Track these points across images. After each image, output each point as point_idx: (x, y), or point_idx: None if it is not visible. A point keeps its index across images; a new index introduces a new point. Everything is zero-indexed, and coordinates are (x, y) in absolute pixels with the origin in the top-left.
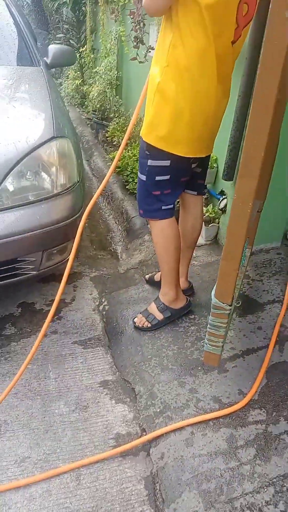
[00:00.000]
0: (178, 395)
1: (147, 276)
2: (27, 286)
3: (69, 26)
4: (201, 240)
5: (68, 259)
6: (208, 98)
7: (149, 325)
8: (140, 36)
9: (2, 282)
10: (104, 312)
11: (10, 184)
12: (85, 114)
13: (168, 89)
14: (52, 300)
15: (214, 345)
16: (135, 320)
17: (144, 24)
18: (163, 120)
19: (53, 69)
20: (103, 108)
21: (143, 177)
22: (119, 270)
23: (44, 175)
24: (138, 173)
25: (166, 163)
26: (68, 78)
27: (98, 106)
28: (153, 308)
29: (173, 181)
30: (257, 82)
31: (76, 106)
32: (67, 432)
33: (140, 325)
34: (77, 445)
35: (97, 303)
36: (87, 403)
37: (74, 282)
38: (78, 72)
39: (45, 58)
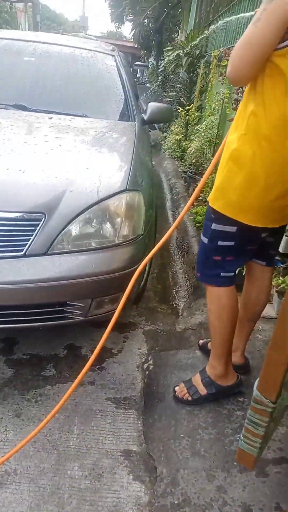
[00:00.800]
0: (203, 490)
1: (201, 342)
2: (79, 329)
3: (182, 85)
4: (271, 312)
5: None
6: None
7: (190, 398)
8: (240, 99)
9: (48, 323)
10: (147, 372)
11: (74, 230)
12: (182, 167)
13: (243, 156)
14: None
15: (250, 445)
16: (176, 389)
17: None
18: (233, 186)
19: (161, 124)
20: (198, 163)
21: (205, 240)
22: (176, 328)
23: (108, 224)
24: (201, 235)
25: (232, 229)
26: (172, 133)
27: (193, 161)
28: (197, 380)
29: (238, 249)
30: None
31: (175, 159)
32: (73, 500)
33: (180, 396)
34: None
35: (143, 360)
36: (103, 472)
37: (126, 332)
38: (183, 128)
39: (143, 115)
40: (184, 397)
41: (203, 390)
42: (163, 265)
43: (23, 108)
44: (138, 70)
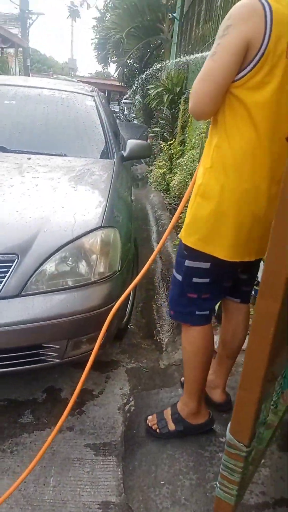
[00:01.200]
0: None
1: (183, 379)
2: (59, 370)
3: (165, 121)
4: None
5: (98, 349)
6: (258, 199)
7: (158, 431)
8: None
9: (23, 367)
10: (128, 414)
11: (48, 269)
12: (168, 200)
13: (210, 190)
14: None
15: (227, 492)
16: (149, 418)
17: None
18: (204, 221)
19: (147, 158)
20: (181, 195)
21: (179, 277)
22: (160, 364)
23: (83, 262)
24: (174, 271)
25: (206, 265)
26: (157, 167)
27: (177, 193)
28: (167, 414)
29: (214, 286)
30: None
31: (161, 192)
32: None
33: (150, 425)
34: None
35: (124, 401)
36: None
37: (108, 372)
38: (167, 162)
39: (122, 151)
40: (153, 427)
41: (171, 426)
42: (147, 298)
43: (3, 150)
44: (126, 107)
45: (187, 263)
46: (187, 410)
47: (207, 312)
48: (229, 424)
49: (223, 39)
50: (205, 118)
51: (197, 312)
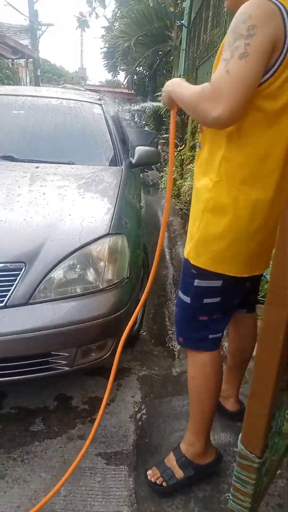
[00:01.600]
0: None
1: None
2: (70, 378)
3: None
4: None
5: (106, 357)
6: (272, 210)
7: (165, 484)
8: None
9: (33, 375)
10: (140, 422)
11: (56, 277)
12: (178, 205)
13: (222, 204)
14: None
15: (240, 505)
16: (148, 473)
17: None
18: (217, 238)
19: (158, 165)
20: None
21: (187, 299)
22: (172, 371)
23: (91, 269)
24: (180, 293)
25: (217, 283)
26: (167, 173)
27: (188, 199)
28: (171, 461)
29: (225, 304)
30: None
31: (172, 197)
32: None
33: (153, 480)
34: None
35: (136, 409)
36: None
37: (119, 379)
38: (178, 168)
39: (130, 158)
40: (157, 482)
41: (179, 473)
42: (159, 305)
43: (12, 159)
44: (136, 115)
45: (197, 283)
46: (193, 451)
47: (220, 334)
48: (240, 434)
49: (252, 40)
50: (229, 126)
51: (210, 336)
